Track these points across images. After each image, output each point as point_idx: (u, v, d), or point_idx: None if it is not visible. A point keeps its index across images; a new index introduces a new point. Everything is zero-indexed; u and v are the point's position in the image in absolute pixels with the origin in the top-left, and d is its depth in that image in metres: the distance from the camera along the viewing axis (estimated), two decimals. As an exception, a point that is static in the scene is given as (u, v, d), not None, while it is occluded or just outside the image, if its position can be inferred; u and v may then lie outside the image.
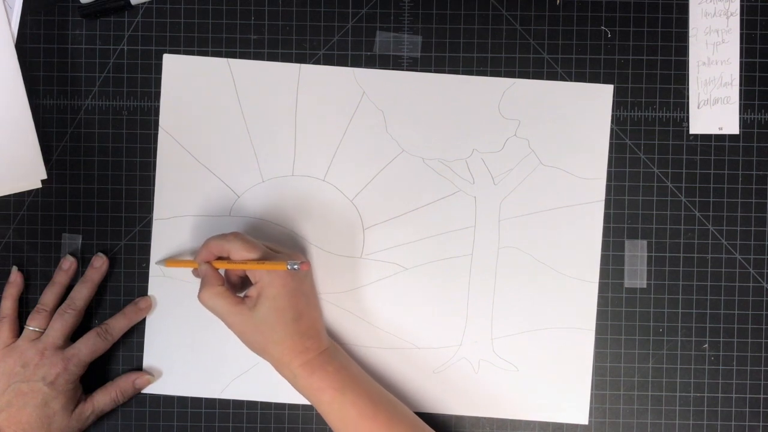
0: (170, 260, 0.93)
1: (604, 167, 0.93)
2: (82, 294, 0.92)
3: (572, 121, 0.93)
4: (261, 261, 0.85)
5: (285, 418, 0.94)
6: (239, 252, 0.85)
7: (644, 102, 0.93)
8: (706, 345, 0.93)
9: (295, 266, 0.83)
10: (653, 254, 0.93)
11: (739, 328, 0.93)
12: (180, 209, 0.94)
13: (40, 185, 0.94)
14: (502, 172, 0.93)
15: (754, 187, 0.93)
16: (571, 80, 0.93)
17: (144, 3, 0.94)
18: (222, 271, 0.89)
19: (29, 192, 0.94)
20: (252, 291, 0.86)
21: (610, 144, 0.93)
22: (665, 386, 0.93)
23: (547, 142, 0.93)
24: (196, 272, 0.90)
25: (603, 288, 0.93)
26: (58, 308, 0.91)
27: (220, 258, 0.88)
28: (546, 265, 0.93)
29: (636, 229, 0.93)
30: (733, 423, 0.93)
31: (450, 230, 0.93)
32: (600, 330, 0.93)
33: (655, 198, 0.93)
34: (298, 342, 0.85)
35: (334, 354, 0.87)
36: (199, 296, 0.87)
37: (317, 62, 0.94)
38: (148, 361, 0.94)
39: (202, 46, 0.94)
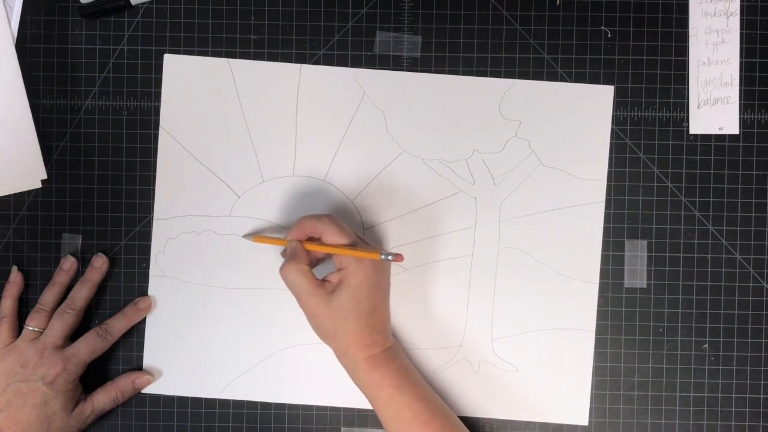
0: (258, 236, 0.92)
1: (604, 168, 0.93)
2: (81, 294, 0.92)
3: (573, 122, 0.93)
4: (352, 247, 0.85)
5: (285, 418, 0.94)
6: (332, 235, 0.85)
7: (644, 102, 0.93)
8: (706, 345, 0.93)
9: (389, 257, 0.84)
10: (653, 254, 0.93)
11: (739, 328, 0.93)
12: (180, 209, 0.94)
13: (40, 185, 0.94)
14: (502, 173, 0.93)
15: (754, 187, 0.93)
16: (571, 80, 0.93)
17: (144, 3, 0.93)
18: None
19: (29, 192, 0.94)
20: (333, 276, 0.86)
21: (610, 144, 0.93)
22: (665, 386, 0.93)
23: (547, 143, 0.93)
24: (283, 252, 0.90)
25: (603, 288, 0.93)
26: (57, 308, 0.91)
27: (310, 239, 0.87)
28: (546, 266, 0.93)
29: (636, 229, 0.93)
30: (733, 423, 0.93)
31: (450, 231, 0.93)
32: (600, 330, 0.93)
33: (655, 198, 0.93)
34: (368, 335, 0.85)
35: (397, 353, 0.88)
36: (282, 269, 0.85)
37: (317, 62, 0.94)
38: (148, 361, 0.94)
39: (201, 46, 0.94)
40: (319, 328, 0.86)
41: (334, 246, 0.85)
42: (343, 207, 0.93)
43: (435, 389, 0.92)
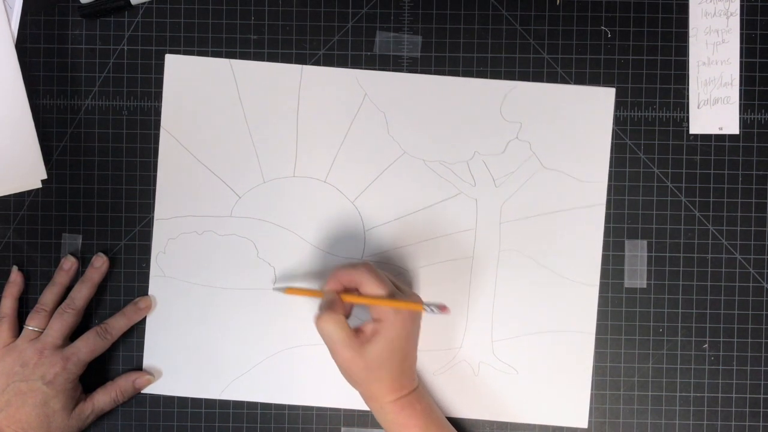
0: (291, 288, 0.92)
1: (605, 171, 0.93)
2: (81, 294, 0.92)
3: (574, 124, 0.93)
4: (392, 299, 0.83)
5: (285, 418, 0.94)
6: (370, 286, 0.84)
7: (644, 102, 0.93)
8: (706, 345, 0.93)
9: (434, 310, 0.83)
10: (653, 254, 0.93)
11: (739, 328, 0.93)
12: (180, 209, 0.94)
13: (40, 185, 0.94)
14: (503, 175, 0.93)
15: (754, 187, 0.93)
16: (570, 80, 0.93)
17: (144, 3, 0.93)
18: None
19: (29, 192, 0.94)
20: (368, 327, 0.84)
21: (611, 144, 0.93)
22: (665, 386, 0.93)
23: (548, 145, 0.93)
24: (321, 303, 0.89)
25: (603, 288, 0.93)
26: (57, 308, 0.91)
27: (346, 289, 0.86)
28: (546, 268, 0.93)
29: (636, 229, 0.93)
30: (733, 423, 0.93)
31: (451, 232, 0.93)
32: (600, 330, 0.93)
33: (655, 198, 0.93)
34: (397, 381, 0.85)
35: (423, 394, 0.88)
36: (318, 320, 0.83)
37: (317, 62, 0.94)
38: (148, 361, 0.94)
39: (201, 46, 0.94)
40: (350, 377, 0.85)
41: (373, 297, 0.84)
42: (343, 208, 0.93)
43: (435, 391, 0.93)
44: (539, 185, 0.93)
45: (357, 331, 0.84)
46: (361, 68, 0.93)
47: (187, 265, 0.94)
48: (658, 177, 0.93)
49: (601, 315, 0.93)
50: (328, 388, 0.93)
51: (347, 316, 0.86)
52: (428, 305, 0.83)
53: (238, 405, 0.94)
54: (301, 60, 0.94)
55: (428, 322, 0.92)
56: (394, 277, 0.89)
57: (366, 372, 0.83)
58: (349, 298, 0.85)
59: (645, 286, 0.93)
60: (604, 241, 0.93)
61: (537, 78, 0.93)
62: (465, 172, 0.93)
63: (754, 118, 0.93)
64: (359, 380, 0.85)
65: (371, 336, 0.83)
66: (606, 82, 0.93)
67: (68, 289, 0.93)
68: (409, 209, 0.93)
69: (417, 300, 0.85)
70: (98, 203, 0.94)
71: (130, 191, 0.94)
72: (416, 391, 0.86)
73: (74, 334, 0.91)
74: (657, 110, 0.93)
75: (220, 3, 0.94)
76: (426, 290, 0.93)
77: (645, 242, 0.93)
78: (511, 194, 0.93)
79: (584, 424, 0.93)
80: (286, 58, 0.94)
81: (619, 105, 0.93)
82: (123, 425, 0.94)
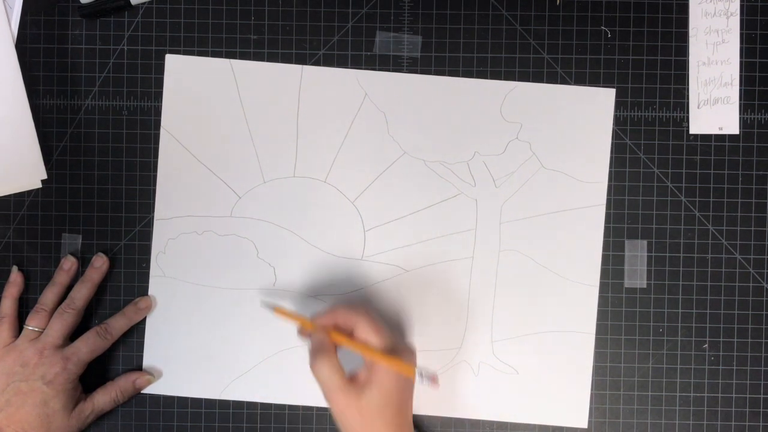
0: (279, 309, 0.91)
1: (605, 171, 0.93)
2: (81, 294, 0.92)
3: (574, 124, 0.93)
4: (385, 354, 0.82)
5: (285, 418, 0.94)
6: (367, 333, 0.83)
7: (644, 102, 0.93)
8: (706, 345, 0.93)
9: (424, 380, 0.81)
10: (653, 254, 0.93)
11: (739, 328, 0.93)
12: (180, 209, 0.94)
13: (40, 185, 0.94)
14: (503, 175, 0.93)
15: (754, 187, 0.93)
16: (570, 80, 0.93)
17: (144, 3, 0.93)
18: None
19: (29, 192, 0.94)
20: (362, 373, 0.83)
21: (611, 145, 0.93)
22: (665, 386, 0.93)
23: (548, 146, 0.93)
24: (303, 332, 0.88)
25: (603, 288, 0.93)
26: (57, 308, 0.91)
27: (338, 327, 0.85)
28: (546, 268, 0.93)
29: (636, 229, 0.93)
30: (733, 423, 0.93)
31: (451, 233, 0.93)
32: (600, 330, 0.93)
33: (655, 198, 0.93)
34: None
35: None
36: (313, 365, 0.82)
37: (317, 62, 0.94)
38: (148, 361, 0.94)
39: (201, 46, 0.94)
40: (344, 425, 0.83)
41: (366, 348, 0.83)
42: (343, 208, 0.93)
43: (435, 391, 0.93)
44: (539, 185, 0.93)
45: (352, 379, 0.83)
46: (361, 68, 0.93)
47: (187, 265, 0.94)
48: (658, 177, 0.93)
49: (601, 315, 0.93)
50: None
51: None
52: (420, 372, 0.81)
53: (238, 405, 0.94)
54: (301, 60, 0.94)
55: (428, 322, 0.93)
56: (394, 324, 0.89)
57: (361, 420, 0.82)
58: (340, 340, 0.84)
59: (645, 286, 0.93)
60: (604, 241, 0.93)
61: (537, 78, 0.93)
62: (465, 172, 0.93)
63: (754, 118, 0.93)
64: (354, 429, 0.82)
65: (364, 384, 0.82)
66: (606, 82, 0.93)
67: (68, 289, 0.93)
68: (409, 209, 0.93)
69: (411, 360, 0.84)
70: (98, 203, 0.94)
71: (130, 191, 0.94)
72: None
73: (74, 334, 0.91)
74: (657, 110, 0.93)
75: (220, 3, 0.94)
76: (426, 291, 0.93)
77: (645, 242, 0.93)
78: (511, 194, 0.93)
79: (584, 424, 0.93)
80: (286, 58, 0.94)
81: (619, 105, 0.93)
82: (123, 425, 0.94)
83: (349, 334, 0.85)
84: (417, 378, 0.82)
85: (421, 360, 0.92)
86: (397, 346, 0.84)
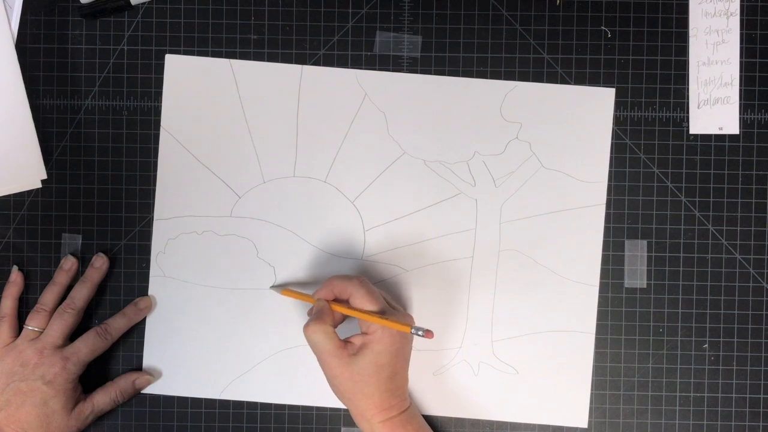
0: (286, 290, 0.92)
1: (605, 171, 0.93)
2: (81, 294, 0.92)
3: (574, 124, 0.93)
4: (381, 315, 0.83)
5: (285, 418, 0.94)
6: (361, 300, 0.84)
7: (644, 102, 0.93)
8: (706, 345, 0.93)
9: (420, 333, 0.82)
10: (653, 254, 0.93)
11: (739, 328, 0.93)
12: (180, 209, 0.94)
13: (40, 185, 0.94)
14: (503, 175, 0.93)
15: (754, 187, 0.93)
16: (570, 80, 0.93)
17: (144, 3, 0.93)
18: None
19: (29, 192, 0.94)
20: (357, 339, 0.85)
21: (611, 144, 0.93)
22: (665, 386, 0.93)
23: (548, 145, 0.93)
24: (310, 311, 0.89)
25: (603, 288, 0.93)
26: (57, 308, 0.91)
27: (337, 299, 0.87)
28: (546, 268, 0.93)
29: (636, 229, 0.93)
30: (733, 423, 0.93)
31: (451, 232, 0.93)
32: (600, 330, 0.93)
33: (655, 198, 0.93)
34: (386, 399, 0.84)
35: (414, 414, 0.87)
36: (306, 329, 0.84)
37: (317, 62, 0.94)
38: (148, 361, 0.94)
39: (201, 46, 0.94)
40: (337, 389, 0.85)
41: (362, 311, 0.84)
42: (343, 208, 0.93)
43: (435, 391, 0.93)
44: (539, 185, 0.93)
45: (346, 343, 0.84)
46: (361, 68, 0.93)
47: (187, 265, 0.94)
48: (658, 177, 0.93)
49: (601, 315, 0.93)
50: (328, 388, 0.93)
51: (337, 325, 0.86)
52: (415, 329, 0.82)
53: (238, 405, 0.94)
54: (301, 60, 0.94)
55: (427, 321, 0.93)
56: (389, 295, 0.90)
57: (352, 385, 0.83)
58: (339, 308, 0.85)
59: (645, 286, 0.93)
60: (604, 241, 0.93)
61: (537, 78, 0.93)
62: (465, 172, 0.93)
63: (754, 118, 0.93)
64: (346, 393, 0.84)
65: (359, 349, 0.84)
66: (606, 82, 0.93)
67: (68, 289, 0.93)
68: (409, 209, 0.93)
69: (407, 321, 0.85)
70: (98, 203, 0.94)
71: (130, 191, 0.94)
72: (407, 412, 0.86)
73: (74, 334, 0.91)
74: (657, 110, 0.93)
75: (220, 3, 0.94)
76: (426, 291, 0.93)
77: (645, 242, 0.93)
78: (511, 194, 0.93)
79: (584, 424, 0.93)
80: (286, 58, 0.94)
81: (619, 105, 0.93)
82: (123, 425, 0.94)
83: (346, 303, 0.86)
84: (412, 332, 0.82)
85: (422, 360, 0.93)
86: (394, 310, 0.86)
